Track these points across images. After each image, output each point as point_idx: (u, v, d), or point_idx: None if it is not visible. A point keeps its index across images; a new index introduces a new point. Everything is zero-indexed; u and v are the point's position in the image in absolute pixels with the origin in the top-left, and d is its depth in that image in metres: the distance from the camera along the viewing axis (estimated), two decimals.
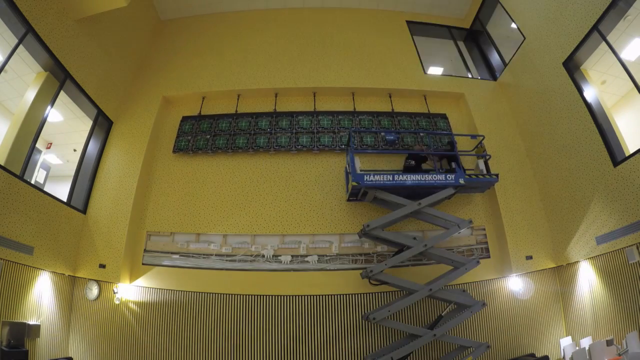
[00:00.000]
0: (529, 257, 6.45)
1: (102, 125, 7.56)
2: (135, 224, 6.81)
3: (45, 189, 7.22)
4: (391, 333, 6.09)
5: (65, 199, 6.50)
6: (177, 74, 8.41)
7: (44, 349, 5.60)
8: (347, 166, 6.59)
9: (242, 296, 6.27)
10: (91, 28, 7.07)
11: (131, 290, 6.40)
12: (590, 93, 6.17)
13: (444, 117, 7.95)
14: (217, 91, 8.13)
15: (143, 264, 6.62)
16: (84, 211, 6.85)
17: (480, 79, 8.83)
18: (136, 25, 8.59)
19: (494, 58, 8.78)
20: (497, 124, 7.75)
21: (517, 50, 7.75)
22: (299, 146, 7.37)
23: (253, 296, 6.26)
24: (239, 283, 6.36)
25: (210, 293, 6.31)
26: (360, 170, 6.35)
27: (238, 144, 7.44)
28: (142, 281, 6.47)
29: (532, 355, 6.05)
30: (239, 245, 6.67)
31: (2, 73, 5.59)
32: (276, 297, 6.25)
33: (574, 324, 6.16)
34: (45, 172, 8.66)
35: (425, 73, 8.55)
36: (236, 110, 7.95)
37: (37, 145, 6.41)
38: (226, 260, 6.57)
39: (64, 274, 6.24)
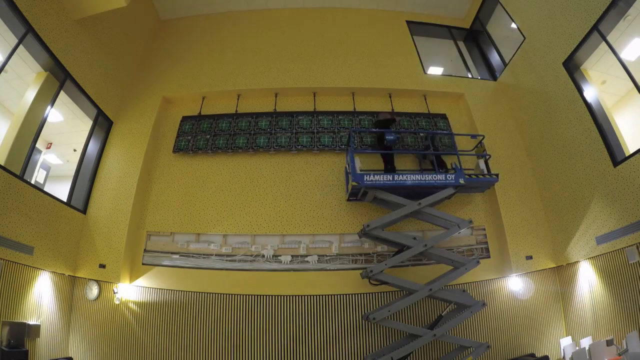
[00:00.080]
0: (529, 257, 6.45)
1: (102, 125, 7.56)
2: (135, 224, 6.81)
3: (45, 189, 7.22)
4: (391, 333, 6.09)
5: (65, 199, 6.50)
6: (177, 74, 8.41)
7: (44, 349, 5.60)
8: (347, 166, 6.59)
9: (242, 296, 6.27)
10: (91, 28, 7.07)
11: (131, 290, 6.40)
12: (590, 93, 6.17)
13: (444, 117, 7.95)
14: (217, 91, 8.13)
15: (143, 264, 6.62)
16: (84, 211, 6.85)
17: (480, 79, 8.82)
18: (136, 25, 8.59)
19: (494, 58, 8.78)
20: (497, 124, 7.75)
21: (517, 50, 7.75)
22: (299, 146, 7.36)
23: (253, 296, 6.26)
24: (239, 283, 6.36)
25: (210, 293, 6.31)
26: (360, 170, 6.35)
27: (238, 144, 7.44)
28: (142, 281, 6.47)
29: (532, 355, 6.05)
30: (239, 245, 6.67)
31: (2, 73, 5.58)
32: (276, 297, 6.25)
33: (574, 324, 6.16)
34: (45, 172, 8.66)
35: (425, 73, 8.55)
36: (236, 110, 7.95)
37: (37, 145, 6.41)
38: (226, 260, 6.57)
39: (64, 274, 6.24)
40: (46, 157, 8.60)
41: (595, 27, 5.77)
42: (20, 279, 5.36)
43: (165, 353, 6.03)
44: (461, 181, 6.23)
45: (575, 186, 6.18)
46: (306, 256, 6.56)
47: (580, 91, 6.17)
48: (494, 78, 8.61)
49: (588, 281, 5.91)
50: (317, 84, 8.04)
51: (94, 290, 6.35)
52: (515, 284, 6.42)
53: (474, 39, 9.58)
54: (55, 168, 8.92)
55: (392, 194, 6.15)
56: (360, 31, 9.18)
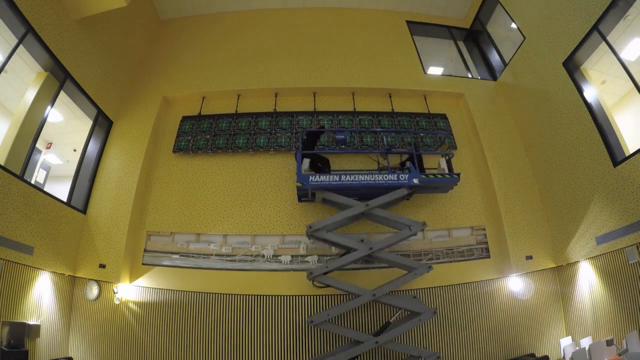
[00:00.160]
0: (529, 257, 6.45)
1: (102, 125, 7.56)
2: (135, 224, 6.81)
3: (45, 189, 7.22)
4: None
5: (65, 199, 6.50)
6: (177, 74, 8.41)
7: (44, 349, 5.60)
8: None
9: (242, 296, 6.27)
10: (91, 28, 7.07)
11: (131, 290, 6.40)
12: (590, 93, 6.17)
13: (444, 117, 7.95)
14: (217, 91, 8.13)
15: (143, 264, 6.62)
16: (84, 211, 6.85)
17: (480, 79, 8.82)
18: (136, 25, 8.59)
19: (494, 58, 8.78)
20: (497, 124, 7.75)
21: (517, 50, 7.75)
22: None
23: (253, 296, 6.26)
24: (239, 283, 6.35)
25: (210, 293, 6.31)
26: (304, 172, 6.08)
27: (238, 144, 7.43)
28: (142, 281, 6.47)
29: (532, 355, 6.05)
30: (239, 245, 6.66)
31: (2, 73, 5.58)
32: (276, 297, 6.25)
33: (574, 324, 6.16)
34: (45, 172, 8.66)
35: (425, 73, 8.55)
36: (236, 110, 7.95)
37: (37, 145, 6.40)
38: (226, 260, 6.57)
39: (64, 274, 6.24)
40: (46, 157, 8.60)
41: (595, 27, 5.78)
42: (20, 279, 5.36)
43: (165, 353, 6.02)
44: (415, 181, 5.97)
45: (575, 186, 6.18)
46: (306, 256, 6.56)
47: (580, 91, 6.17)
48: (494, 78, 8.61)
49: (588, 281, 5.91)
50: (317, 84, 8.04)
51: (94, 290, 6.35)
52: (515, 284, 6.42)
53: (474, 39, 9.58)
54: (55, 168, 8.92)
55: (342, 195, 5.96)
56: (360, 31, 9.18)
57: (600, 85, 6.93)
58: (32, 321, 5.43)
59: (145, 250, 6.73)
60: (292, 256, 6.56)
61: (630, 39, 6.09)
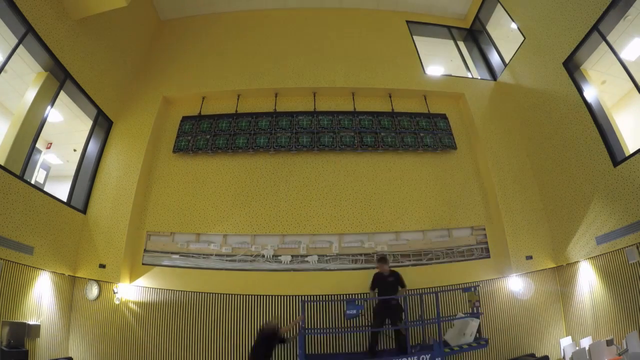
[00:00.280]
0: (529, 257, 6.45)
1: (102, 125, 7.56)
2: (135, 224, 6.81)
3: (45, 189, 7.23)
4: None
5: (65, 199, 6.50)
6: (177, 74, 8.40)
7: (44, 349, 5.60)
8: None
9: (242, 296, 6.26)
10: (91, 28, 7.06)
11: (131, 290, 6.40)
12: (590, 93, 6.17)
13: (444, 117, 7.95)
14: (217, 91, 8.13)
15: (143, 264, 6.62)
16: (84, 211, 6.85)
17: (480, 79, 8.82)
18: (136, 25, 8.59)
19: (494, 58, 8.78)
20: (497, 124, 7.75)
21: (517, 50, 7.75)
22: (299, 146, 7.36)
23: (253, 296, 6.26)
24: (239, 283, 6.35)
25: (210, 293, 6.31)
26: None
27: (238, 144, 7.43)
28: (142, 281, 6.47)
29: (532, 355, 6.05)
30: (239, 245, 6.66)
31: (2, 73, 5.58)
32: (276, 297, 6.24)
33: (574, 324, 6.16)
34: (45, 172, 8.65)
35: (425, 73, 8.55)
36: (236, 110, 7.95)
37: (37, 145, 6.41)
38: (226, 260, 6.56)
39: (64, 274, 6.24)
40: (46, 157, 8.60)
41: (595, 27, 5.77)
42: (20, 279, 5.36)
43: (165, 353, 6.02)
44: None
45: (575, 186, 6.18)
46: (306, 256, 6.56)
47: (580, 91, 6.17)
48: (494, 78, 8.61)
49: (588, 281, 5.91)
50: (317, 84, 8.03)
51: (94, 290, 6.35)
52: (515, 284, 6.42)
53: (474, 39, 9.58)
54: (55, 168, 8.91)
55: None
56: (360, 31, 9.17)
57: (600, 85, 6.93)
58: (32, 321, 5.43)
59: (145, 250, 6.73)
60: (292, 256, 6.56)
61: (630, 39, 6.09)
